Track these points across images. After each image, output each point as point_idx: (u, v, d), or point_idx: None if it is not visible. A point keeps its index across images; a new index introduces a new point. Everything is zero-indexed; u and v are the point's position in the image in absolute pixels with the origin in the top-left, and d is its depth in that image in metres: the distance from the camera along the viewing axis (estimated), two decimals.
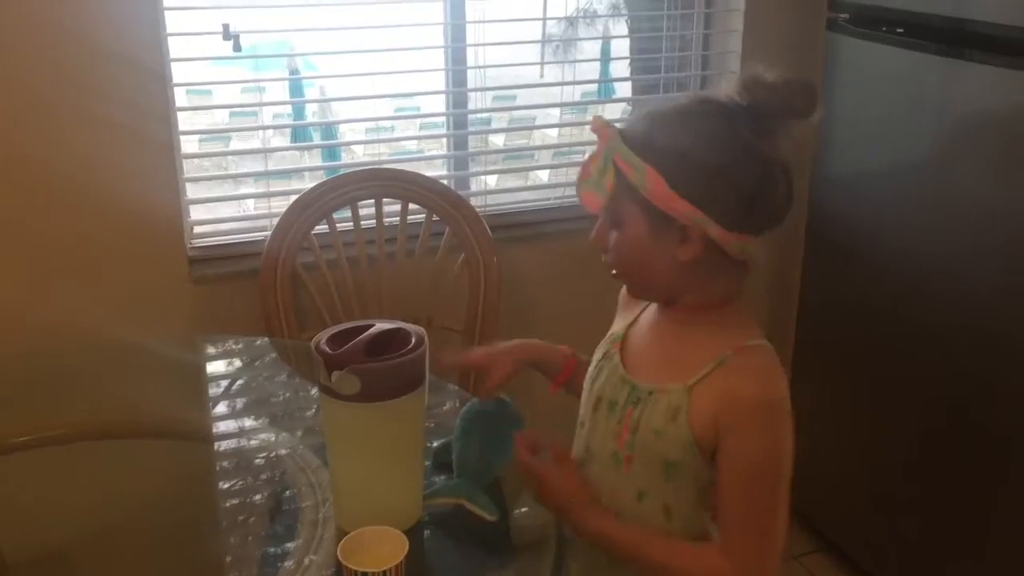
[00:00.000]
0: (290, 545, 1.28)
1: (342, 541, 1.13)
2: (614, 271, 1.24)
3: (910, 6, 2.09)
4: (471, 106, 2.44)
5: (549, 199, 2.54)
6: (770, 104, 1.13)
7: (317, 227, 2.15)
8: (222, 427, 1.69)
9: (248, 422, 1.67)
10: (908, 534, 2.24)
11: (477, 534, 1.31)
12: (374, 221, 2.18)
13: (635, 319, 1.31)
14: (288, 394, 1.79)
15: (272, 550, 1.30)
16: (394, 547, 1.12)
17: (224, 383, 1.87)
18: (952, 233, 2.04)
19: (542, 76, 2.55)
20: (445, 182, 2.32)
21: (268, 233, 2.14)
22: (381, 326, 1.23)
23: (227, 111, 2.42)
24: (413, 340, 1.22)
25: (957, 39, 1.97)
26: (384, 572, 1.09)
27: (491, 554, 1.33)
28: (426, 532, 1.31)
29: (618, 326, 1.34)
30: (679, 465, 1.18)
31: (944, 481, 2.13)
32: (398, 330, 1.23)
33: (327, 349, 1.19)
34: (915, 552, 2.23)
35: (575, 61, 2.56)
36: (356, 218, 2.17)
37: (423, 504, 1.31)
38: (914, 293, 2.15)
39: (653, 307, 1.29)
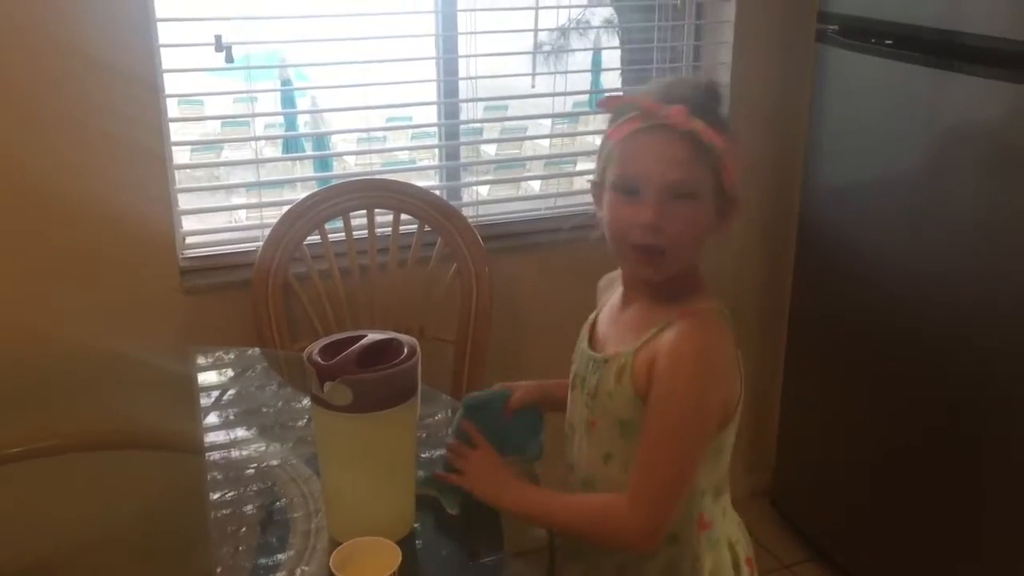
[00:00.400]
0: (282, 556, 1.27)
1: (334, 552, 1.12)
2: (666, 247, 1.23)
3: (899, 18, 2.10)
4: (463, 117, 2.45)
5: (541, 209, 2.54)
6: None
7: (309, 237, 2.15)
8: (213, 438, 1.68)
9: (240, 433, 1.66)
10: (899, 543, 2.24)
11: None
12: (366, 231, 2.19)
13: (603, 306, 1.42)
14: (280, 404, 1.79)
15: (264, 561, 1.30)
16: (387, 558, 1.11)
17: (215, 393, 1.87)
18: (941, 243, 2.05)
19: (533, 86, 2.55)
20: (437, 192, 2.33)
21: (260, 243, 2.14)
22: (373, 336, 1.23)
23: (219, 122, 2.41)
24: (405, 350, 1.22)
25: (945, 51, 1.98)
26: None
27: (485, 564, 1.33)
28: (418, 542, 1.31)
29: (593, 314, 1.44)
30: (631, 423, 1.27)
31: (936, 489, 2.14)
32: (390, 340, 1.24)
33: (319, 360, 1.19)
34: (906, 561, 2.24)
35: (566, 72, 2.56)
36: (348, 228, 2.17)
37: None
38: (904, 302, 2.16)
39: (619, 291, 1.38)
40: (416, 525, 1.31)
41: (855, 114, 2.26)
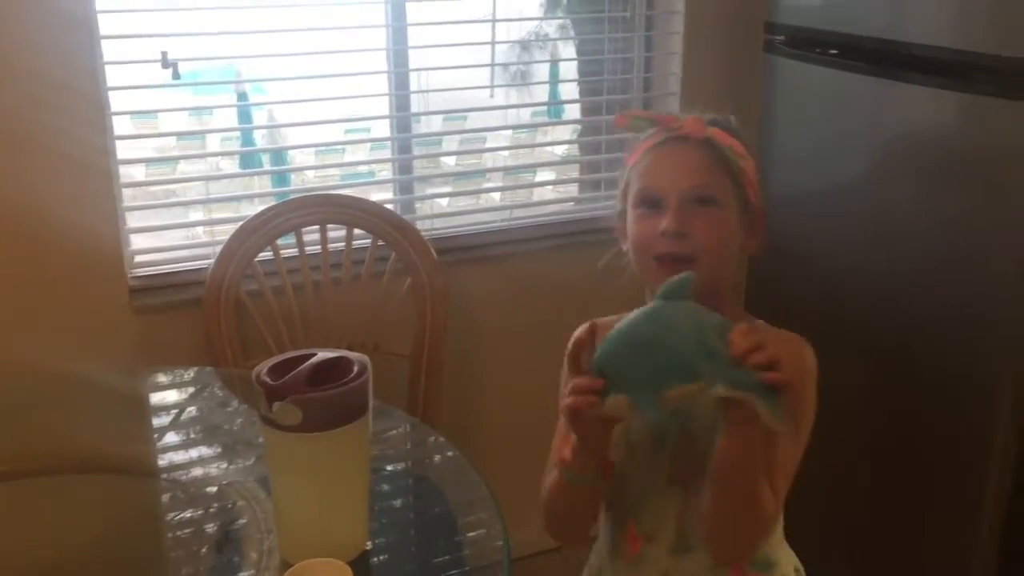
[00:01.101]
0: None
1: (285, 574, 1.11)
2: (692, 254, 1.20)
3: (844, 28, 2.13)
4: (421, 130, 2.44)
5: (496, 221, 2.54)
6: None
7: (261, 254, 2.13)
8: (167, 459, 1.66)
9: (194, 453, 1.64)
10: (858, 549, 2.26)
11: None
12: (319, 247, 2.17)
13: None
14: (236, 424, 1.76)
15: None
16: None
17: (171, 413, 1.84)
18: (889, 250, 2.08)
19: (492, 97, 2.56)
20: (391, 206, 2.32)
21: (211, 261, 2.11)
22: (323, 355, 1.22)
23: (175, 139, 2.38)
24: (356, 368, 1.21)
25: (890, 60, 2.01)
26: None
27: None
28: (372, 559, 1.30)
29: None
30: None
31: (887, 495, 2.16)
32: (340, 358, 1.22)
33: (267, 380, 1.17)
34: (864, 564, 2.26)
35: (519, 84, 2.58)
36: (301, 244, 2.15)
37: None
38: (854, 306, 2.18)
39: None
40: (370, 544, 1.30)
41: (803, 123, 2.28)
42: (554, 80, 2.81)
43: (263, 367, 1.20)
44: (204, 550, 1.36)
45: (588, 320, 1.30)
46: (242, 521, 1.37)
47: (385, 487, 1.52)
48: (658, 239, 1.21)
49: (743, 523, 1.19)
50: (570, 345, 1.16)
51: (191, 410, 1.83)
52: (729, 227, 1.23)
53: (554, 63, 2.77)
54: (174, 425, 1.77)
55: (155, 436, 1.75)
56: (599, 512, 1.33)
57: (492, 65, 2.49)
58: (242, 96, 2.41)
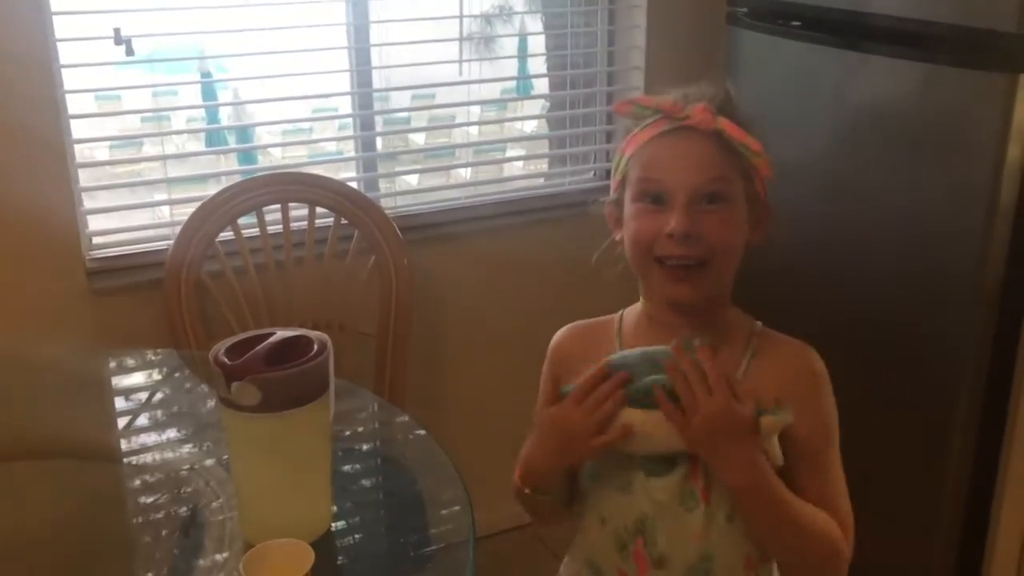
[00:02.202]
0: (197, 561, 1.25)
1: (246, 555, 1.10)
2: (702, 256, 1.13)
3: (807, 0, 2.13)
4: (379, 107, 2.42)
5: (460, 198, 2.52)
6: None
7: (222, 234, 2.10)
8: (129, 443, 1.64)
9: (158, 436, 1.62)
10: None
11: None
12: (281, 226, 2.14)
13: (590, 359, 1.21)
14: (199, 407, 1.74)
15: (181, 566, 1.27)
16: (300, 559, 1.09)
17: (132, 397, 1.82)
18: (852, 221, 2.09)
19: (461, 74, 2.53)
20: (355, 184, 2.29)
21: (171, 242, 2.08)
22: (282, 334, 1.20)
23: (138, 118, 2.34)
24: (315, 347, 1.20)
25: (853, 31, 2.01)
26: None
27: (405, 559, 1.32)
28: (339, 540, 1.29)
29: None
30: None
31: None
32: (300, 337, 1.21)
33: (225, 360, 1.15)
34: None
35: (485, 59, 2.55)
36: (262, 223, 2.12)
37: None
38: (818, 278, 2.19)
39: (639, 333, 1.23)
40: (336, 525, 1.29)
41: (768, 95, 2.28)
42: (522, 55, 2.79)
43: (221, 347, 1.18)
44: (167, 533, 1.34)
45: (552, 317, 1.29)
46: (205, 504, 1.36)
47: (352, 467, 1.51)
48: (663, 240, 1.13)
49: (805, 556, 1.16)
50: (543, 383, 1.19)
51: (153, 393, 1.81)
52: (740, 225, 1.16)
53: (522, 38, 2.75)
54: (136, 409, 1.74)
55: (118, 420, 1.73)
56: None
57: (460, 40, 2.46)
58: (206, 74, 2.37)
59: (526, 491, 1.21)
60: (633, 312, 1.27)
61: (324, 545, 1.21)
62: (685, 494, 1.16)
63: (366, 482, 1.54)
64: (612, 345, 1.24)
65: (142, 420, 1.71)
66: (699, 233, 1.12)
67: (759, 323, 1.24)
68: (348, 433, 1.57)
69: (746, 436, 1.09)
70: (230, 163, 2.46)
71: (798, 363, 1.17)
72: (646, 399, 1.11)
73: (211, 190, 2.15)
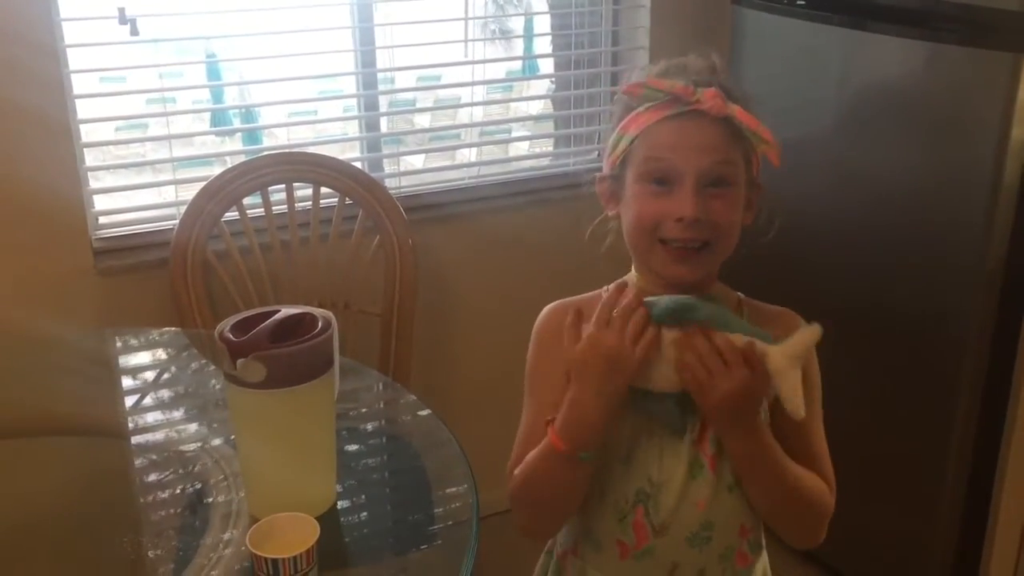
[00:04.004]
0: (203, 537, 1.26)
1: (252, 528, 1.11)
2: (702, 245, 1.15)
3: None
4: (397, 87, 2.41)
5: (464, 179, 2.52)
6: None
7: (228, 214, 2.11)
8: (136, 421, 1.65)
9: (165, 415, 1.64)
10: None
11: None
12: (286, 206, 2.15)
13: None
14: (206, 386, 1.75)
15: (186, 541, 1.28)
16: (306, 533, 1.10)
17: (138, 376, 1.83)
18: (854, 200, 2.09)
19: (466, 55, 2.53)
20: (360, 164, 2.30)
21: (176, 221, 2.09)
22: (287, 311, 1.21)
23: (143, 99, 2.34)
24: (320, 324, 1.20)
25: (857, 10, 2.00)
26: (295, 558, 1.07)
27: (409, 536, 1.33)
28: (343, 518, 1.30)
29: None
30: None
31: (851, 443, 2.18)
32: (304, 315, 1.22)
33: (231, 337, 1.16)
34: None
35: (490, 39, 2.55)
36: (267, 203, 2.13)
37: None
38: (824, 259, 2.19)
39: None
40: (341, 503, 1.30)
41: (772, 75, 2.28)
42: (528, 35, 2.78)
43: (226, 324, 1.19)
44: (173, 512, 1.36)
45: (555, 297, 1.29)
46: (212, 482, 1.37)
47: (357, 446, 1.52)
48: (669, 223, 1.14)
49: (799, 516, 1.21)
50: (567, 330, 1.15)
51: (160, 372, 1.82)
52: (740, 207, 1.18)
53: (527, 19, 2.74)
54: (143, 388, 1.75)
55: (124, 399, 1.74)
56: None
57: (465, 19, 2.46)
58: (211, 56, 2.37)
59: (579, 455, 1.14)
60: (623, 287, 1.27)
61: (329, 520, 1.23)
62: (692, 462, 1.19)
63: (371, 461, 1.55)
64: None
65: (149, 399, 1.72)
66: (707, 214, 1.13)
67: (740, 294, 1.27)
68: (353, 412, 1.58)
69: (756, 406, 1.13)
70: (235, 144, 2.46)
71: (787, 329, 1.17)
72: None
73: (216, 171, 2.15)
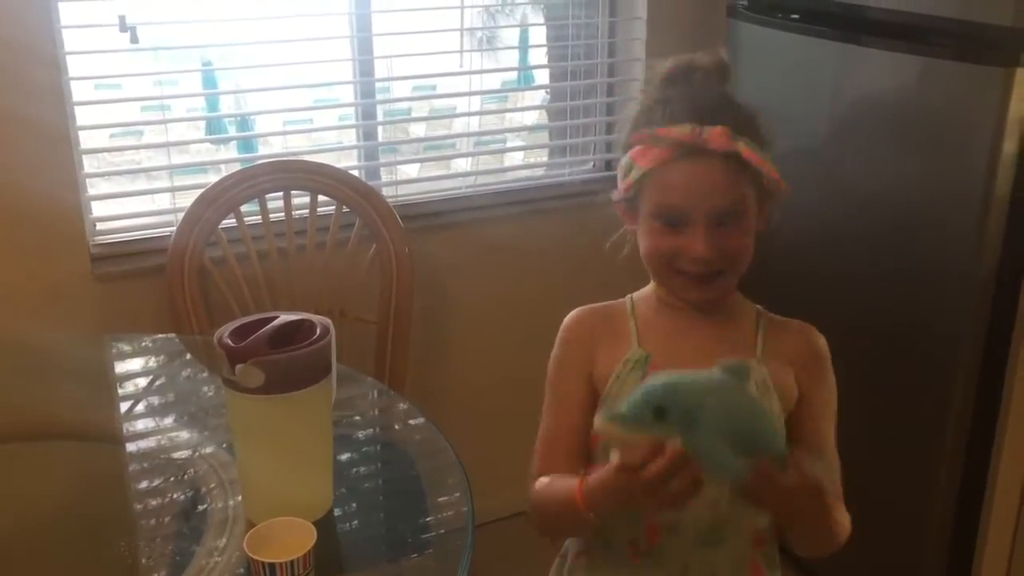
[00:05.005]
0: (202, 544, 1.26)
1: (249, 533, 1.12)
2: (716, 274, 1.18)
3: None
4: (393, 96, 2.42)
5: (461, 188, 2.54)
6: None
7: (225, 221, 2.11)
8: (133, 427, 1.66)
9: (160, 421, 1.64)
10: None
11: None
12: (283, 214, 2.16)
13: (638, 338, 1.25)
14: (202, 392, 1.76)
15: (183, 548, 1.28)
16: (303, 538, 1.11)
17: (136, 382, 1.84)
18: (847, 213, 2.10)
19: (461, 65, 2.54)
20: (357, 172, 2.31)
21: (174, 228, 2.10)
22: (285, 318, 1.22)
23: (139, 106, 2.35)
24: (318, 330, 1.21)
25: (852, 24, 2.02)
26: (291, 563, 1.08)
27: (405, 543, 1.33)
28: (339, 525, 1.31)
29: (627, 352, 1.24)
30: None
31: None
32: (302, 321, 1.23)
33: (229, 342, 1.17)
34: None
35: (486, 49, 2.56)
36: (264, 211, 2.14)
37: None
38: (815, 272, 2.20)
39: (650, 316, 1.26)
40: (336, 510, 1.31)
41: (767, 87, 2.28)
42: (523, 46, 2.80)
43: (225, 330, 1.20)
44: (168, 518, 1.36)
45: (550, 305, 1.31)
46: (207, 489, 1.37)
47: (352, 453, 1.53)
48: (684, 259, 1.17)
49: (827, 543, 1.20)
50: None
51: (156, 378, 1.82)
52: (752, 230, 1.20)
53: (523, 29, 2.76)
54: (139, 393, 1.76)
55: (121, 404, 1.74)
56: None
57: (461, 30, 2.47)
58: (207, 63, 2.39)
59: (591, 515, 1.13)
60: (644, 295, 1.30)
61: (325, 526, 1.23)
62: None
63: (366, 468, 1.56)
64: (628, 327, 1.26)
65: (144, 405, 1.72)
66: (720, 253, 1.16)
67: (759, 307, 1.29)
68: (349, 419, 1.59)
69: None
70: (230, 152, 2.47)
71: (805, 342, 1.22)
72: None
73: (211, 179, 2.16)
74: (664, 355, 1.22)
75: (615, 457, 1.02)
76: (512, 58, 2.80)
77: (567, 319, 1.30)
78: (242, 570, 1.18)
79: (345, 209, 2.18)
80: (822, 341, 1.26)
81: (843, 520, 1.20)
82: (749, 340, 1.23)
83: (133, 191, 2.30)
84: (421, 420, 1.57)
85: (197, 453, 1.47)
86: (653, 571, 1.23)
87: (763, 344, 1.23)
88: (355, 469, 1.51)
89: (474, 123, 2.66)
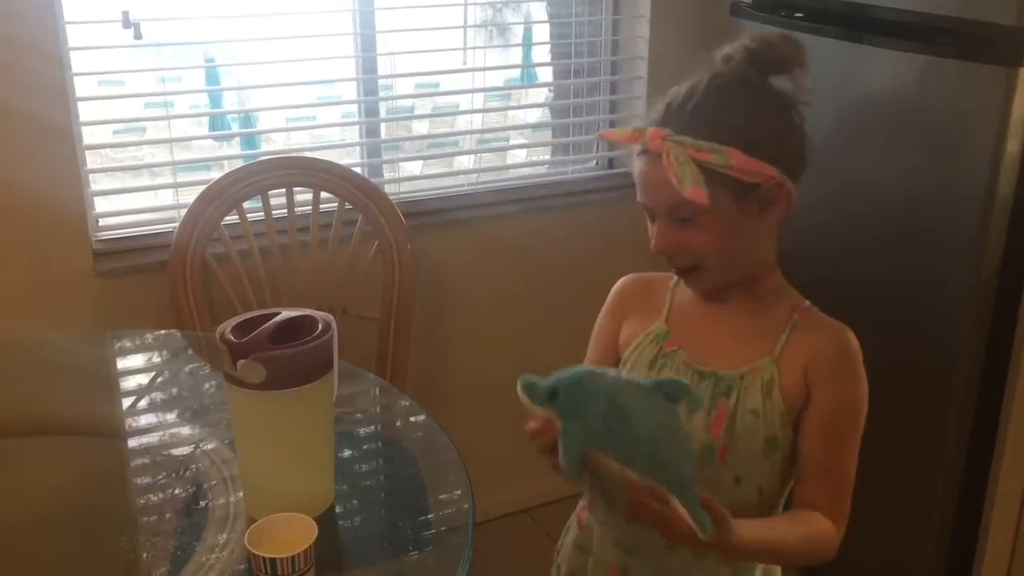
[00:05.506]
0: (203, 540, 1.26)
1: (250, 528, 1.12)
2: (687, 268, 1.20)
3: None
4: (396, 93, 2.42)
5: (464, 185, 2.54)
6: (774, 58, 1.21)
7: (227, 217, 2.11)
8: (135, 423, 1.66)
9: (162, 417, 1.64)
10: None
11: None
12: (285, 211, 2.16)
13: (667, 314, 1.28)
14: (204, 388, 1.76)
15: (185, 544, 1.28)
16: (303, 533, 1.11)
17: (137, 377, 1.84)
18: (849, 212, 2.10)
19: (464, 63, 2.54)
20: (359, 170, 2.31)
21: (176, 224, 2.10)
22: (287, 314, 1.22)
23: (142, 102, 2.35)
24: (320, 326, 1.21)
25: (855, 23, 2.02)
26: (292, 558, 1.08)
27: (405, 540, 1.34)
28: (340, 522, 1.31)
29: (650, 325, 1.28)
30: (777, 440, 1.20)
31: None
32: (305, 317, 1.23)
33: (232, 338, 1.17)
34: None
35: (490, 47, 2.56)
36: (267, 207, 2.14)
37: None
38: (818, 271, 2.19)
39: (684, 295, 1.28)
40: (337, 507, 1.31)
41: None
42: (527, 43, 2.80)
43: (227, 326, 1.20)
44: (170, 512, 1.36)
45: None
46: (208, 484, 1.37)
47: (354, 450, 1.53)
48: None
49: (791, 561, 1.26)
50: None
51: (158, 374, 1.83)
52: (721, 230, 1.16)
53: (526, 27, 2.76)
54: (140, 389, 1.76)
55: (123, 400, 1.74)
56: None
57: (464, 27, 2.47)
58: (210, 60, 2.39)
59: None
60: None
61: (326, 522, 1.23)
62: (706, 447, 1.20)
63: (367, 465, 1.56)
64: (663, 302, 1.29)
65: (146, 401, 1.73)
66: (677, 248, 1.18)
67: (806, 301, 1.28)
68: (350, 416, 1.59)
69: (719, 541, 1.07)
70: (233, 148, 2.47)
71: (833, 340, 1.21)
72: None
73: (214, 176, 2.17)
74: (683, 336, 1.25)
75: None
76: (515, 56, 2.80)
77: (619, 282, 1.35)
78: (243, 566, 1.18)
79: (348, 206, 2.19)
80: (853, 342, 1.22)
81: (822, 548, 1.19)
82: (772, 337, 1.22)
83: (136, 187, 2.30)
84: (423, 417, 1.58)
85: (199, 449, 1.47)
86: (647, 534, 1.16)
87: (784, 343, 1.21)
88: (356, 466, 1.51)
89: (477, 121, 2.66)
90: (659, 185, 1.14)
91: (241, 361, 1.15)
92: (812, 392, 1.20)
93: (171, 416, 1.63)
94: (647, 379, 1.07)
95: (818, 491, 1.20)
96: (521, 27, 2.76)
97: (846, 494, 1.20)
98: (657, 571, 1.27)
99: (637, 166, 1.19)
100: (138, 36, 2.04)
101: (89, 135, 2.10)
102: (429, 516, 1.36)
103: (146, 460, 1.51)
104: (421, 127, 2.84)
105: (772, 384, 1.19)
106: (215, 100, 2.62)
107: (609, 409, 1.01)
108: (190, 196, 2.12)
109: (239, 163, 2.23)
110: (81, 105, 2.06)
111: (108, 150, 2.36)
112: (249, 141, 2.51)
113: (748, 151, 1.14)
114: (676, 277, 1.29)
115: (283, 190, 2.15)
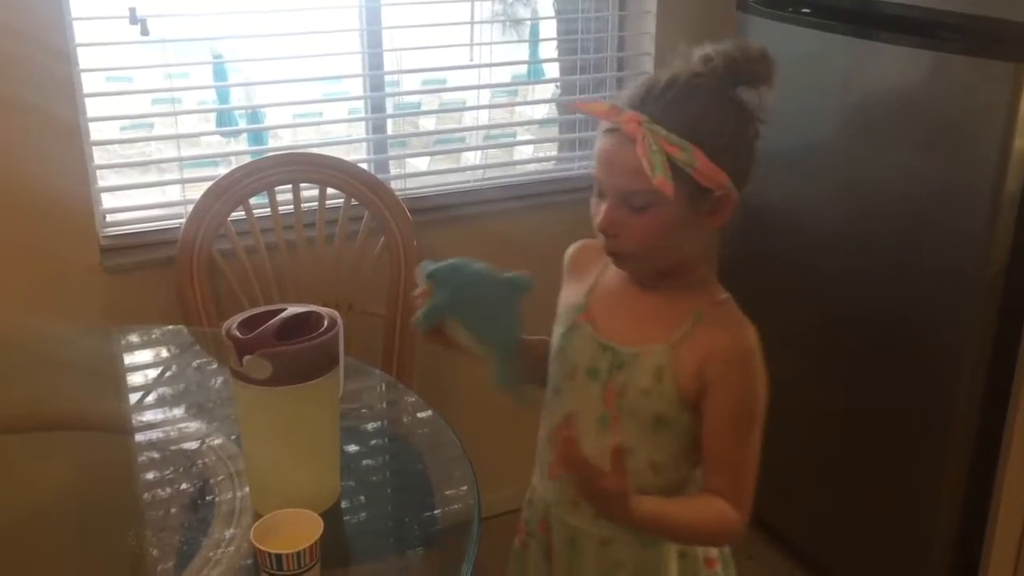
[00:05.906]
0: (209, 535, 1.26)
1: (256, 524, 1.12)
2: (624, 252, 1.23)
3: None
4: (403, 89, 2.42)
5: (470, 181, 2.54)
6: (751, 71, 1.22)
7: (234, 213, 2.12)
8: (141, 418, 1.66)
9: (169, 412, 1.64)
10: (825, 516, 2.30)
11: None
12: (292, 207, 2.16)
13: (591, 287, 1.34)
14: (211, 383, 1.76)
15: (191, 539, 1.29)
16: (309, 529, 1.11)
17: (144, 373, 1.84)
18: (856, 208, 2.09)
19: (471, 59, 2.54)
20: (365, 166, 2.31)
21: (183, 220, 2.10)
22: (293, 310, 1.22)
23: (150, 98, 2.36)
24: (326, 323, 1.22)
25: (863, 19, 2.01)
26: (298, 554, 1.08)
27: (411, 536, 1.34)
28: (346, 517, 1.31)
29: (575, 296, 1.36)
30: (667, 420, 1.25)
31: (847, 466, 2.18)
32: (310, 313, 1.23)
33: (237, 334, 1.18)
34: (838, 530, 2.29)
35: (496, 43, 2.55)
36: (273, 203, 2.14)
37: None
38: (825, 268, 2.20)
39: (612, 272, 1.32)
40: (343, 502, 1.31)
41: (776, 82, 2.28)
42: (534, 39, 2.79)
43: (233, 321, 1.21)
44: (176, 507, 1.37)
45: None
46: (215, 480, 1.38)
47: (360, 445, 1.53)
48: (597, 227, 1.23)
49: (691, 541, 1.32)
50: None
51: (165, 370, 1.83)
52: (668, 225, 1.19)
53: (533, 23, 2.76)
54: (147, 385, 1.76)
55: (129, 395, 1.75)
56: None
57: (471, 23, 2.47)
58: (217, 56, 2.39)
59: None
60: None
61: (332, 517, 1.24)
62: (602, 415, 1.28)
63: (373, 461, 1.56)
64: (594, 272, 1.35)
65: (153, 396, 1.73)
66: (620, 232, 1.20)
67: (726, 295, 1.29)
68: (356, 412, 1.59)
69: (614, 503, 1.15)
70: (240, 144, 2.47)
71: (731, 338, 1.23)
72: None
73: (221, 171, 2.17)
74: (598, 310, 1.31)
75: None
76: (522, 52, 2.80)
77: (570, 247, 1.44)
78: (249, 561, 1.19)
79: (354, 202, 2.19)
80: (751, 340, 1.24)
81: (722, 528, 1.24)
82: (674, 326, 1.24)
83: (143, 183, 2.31)
84: (429, 413, 1.58)
85: (205, 444, 1.48)
86: (564, 491, 1.34)
87: (684, 334, 1.24)
88: (362, 461, 1.51)
89: (483, 117, 2.66)
90: (624, 168, 1.16)
91: (247, 357, 1.15)
92: (708, 388, 1.22)
93: (178, 412, 1.63)
94: (506, 273, 1.35)
95: (718, 478, 1.24)
96: (528, 23, 2.76)
97: (746, 481, 1.24)
98: (565, 529, 1.35)
99: (603, 142, 1.21)
100: (145, 32, 2.04)
101: (96, 131, 2.11)
102: (435, 512, 1.37)
103: (153, 455, 1.51)
104: (427, 123, 2.84)
105: (663, 370, 1.23)
106: (222, 96, 2.62)
107: (466, 284, 1.32)
108: (197, 192, 2.12)
109: (246, 159, 2.23)
110: (88, 101, 2.06)
111: (115, 146, 2.37)
112: (256, 137, 2.51)
113: (712, 156, 1.16)
114: None
115: (289, 186, 2.15)
